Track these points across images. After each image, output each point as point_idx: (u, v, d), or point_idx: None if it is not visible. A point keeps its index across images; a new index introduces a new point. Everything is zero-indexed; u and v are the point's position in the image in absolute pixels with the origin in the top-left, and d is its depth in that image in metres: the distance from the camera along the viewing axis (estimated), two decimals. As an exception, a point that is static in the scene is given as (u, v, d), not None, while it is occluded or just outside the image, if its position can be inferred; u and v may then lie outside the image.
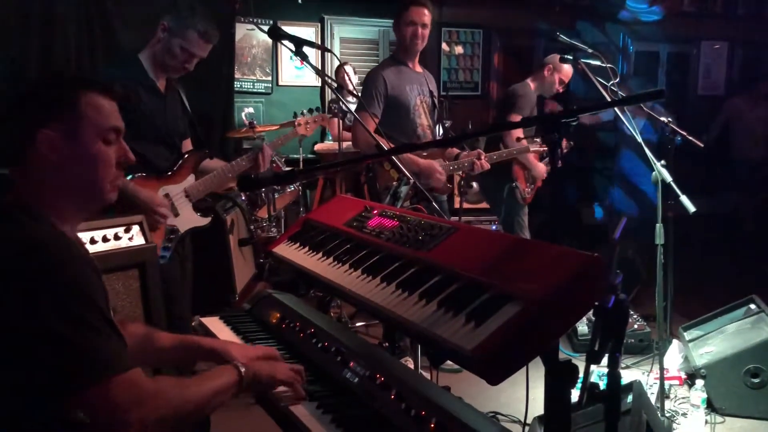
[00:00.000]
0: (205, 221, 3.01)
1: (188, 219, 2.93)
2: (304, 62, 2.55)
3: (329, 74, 6.03)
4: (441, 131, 4.32)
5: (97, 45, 4.12)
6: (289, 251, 1.98)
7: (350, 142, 4.10)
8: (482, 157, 3.66)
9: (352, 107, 3.79)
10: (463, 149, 3.76)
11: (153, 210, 2.74)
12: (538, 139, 4.09)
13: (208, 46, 2.88)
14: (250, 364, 1.47)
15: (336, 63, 6.01)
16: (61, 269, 1.23)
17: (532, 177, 4.37)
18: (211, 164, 3.07)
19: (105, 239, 2.53)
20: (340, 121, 4.74)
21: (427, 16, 3.57)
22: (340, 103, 4.73)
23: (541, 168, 4.35)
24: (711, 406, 3.20)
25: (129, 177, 2.71)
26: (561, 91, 4.36)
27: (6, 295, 1.20)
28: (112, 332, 1.26)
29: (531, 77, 4.39)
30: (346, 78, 5.15)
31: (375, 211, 1.86)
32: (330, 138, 5.88)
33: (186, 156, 2.98)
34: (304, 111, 3.74)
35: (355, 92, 3.71)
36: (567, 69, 4.23)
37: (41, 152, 1.34)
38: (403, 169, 2.36)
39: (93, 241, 2.48)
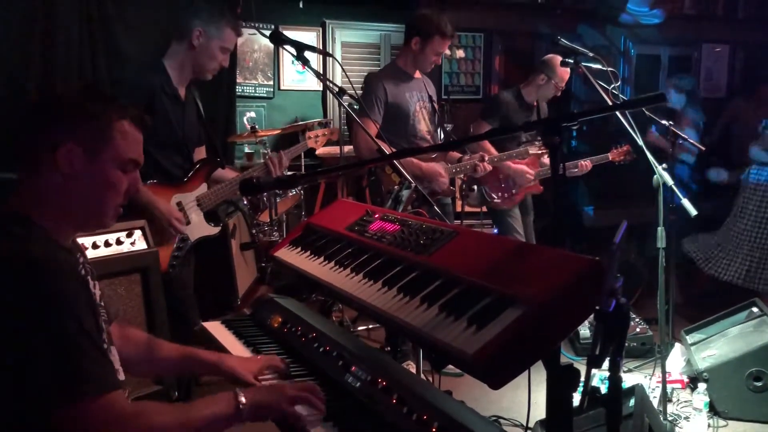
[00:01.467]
0: (215, 230, 3.00)
1: (199, 228, 2.92)
2: (306, 67, 2.55)
3: (330, 79, 6.03)
4: (442, 135, 4.31)
5: (99, 50, 4.12)
6: (291, 255, 1.98)
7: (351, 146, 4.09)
8: (485, 160, 3.67)
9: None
10: (465, 153, 3.76)
11: (170, 223, 2.74)
12: (537, 142, 4.08)
13: (237, 37, 2.92)
14: (252, 393, 1.41)
15: (337, 67, 6.01)
16: (47, 286, 1.20)
17: (513, 181, 4.20)
18: (223, 174, 3.07)
19: (107, 244, 2.54)
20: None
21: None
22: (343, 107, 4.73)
23: (519, 170, 4.12)
24: (713, 410, 3.19)
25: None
26: (559, 94, 4.28)
27: None
28: (94, 352, 1.23)
29: (524, 83, 4.25)
30: None
31: (376, 215, 1.87)
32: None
33: (199, 165, 2.97)
34: (315, 123, 3.70)
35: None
36: (562, 73, 4.07)
37: (58, 162, 1.33)
38: (405, 173, 2.37)
39: (95, 246, 2.48)
